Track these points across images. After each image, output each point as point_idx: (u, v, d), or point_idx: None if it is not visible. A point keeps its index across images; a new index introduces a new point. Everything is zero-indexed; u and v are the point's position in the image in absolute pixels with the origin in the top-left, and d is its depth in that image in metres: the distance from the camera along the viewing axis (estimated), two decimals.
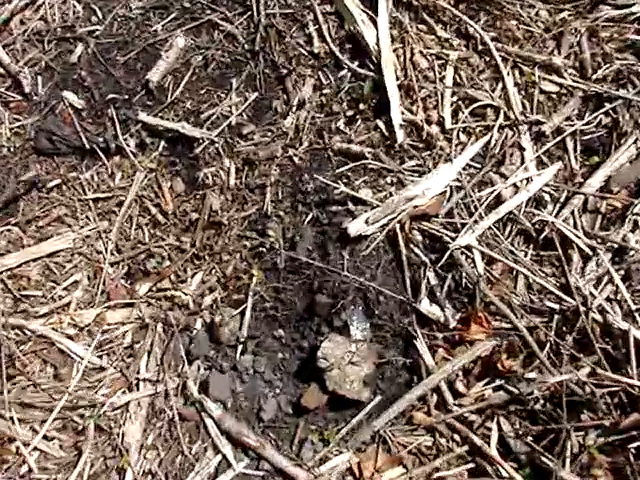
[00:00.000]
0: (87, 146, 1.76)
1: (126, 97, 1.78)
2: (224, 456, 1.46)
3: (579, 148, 1.57)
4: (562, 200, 1.54)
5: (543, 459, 1.39)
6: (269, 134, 1.65)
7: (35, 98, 1.82)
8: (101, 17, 1.86)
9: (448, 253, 1.45)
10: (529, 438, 1.42)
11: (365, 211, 1.50)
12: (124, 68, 1.81)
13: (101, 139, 1.75)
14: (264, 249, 1.57)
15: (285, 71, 1.68)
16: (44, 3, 1.88)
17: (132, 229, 1.70)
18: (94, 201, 1.75)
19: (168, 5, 1.83)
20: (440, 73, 1.62)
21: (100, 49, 1.82)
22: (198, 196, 1.67)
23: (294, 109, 1.65)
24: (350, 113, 1.62)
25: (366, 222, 1.47)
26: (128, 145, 1.74)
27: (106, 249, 1.68)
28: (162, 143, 1.74)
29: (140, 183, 1.71)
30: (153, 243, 1.66)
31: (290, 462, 1.44)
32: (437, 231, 1.49)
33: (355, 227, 1.47)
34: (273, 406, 1.52)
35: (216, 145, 1.67)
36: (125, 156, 1.75)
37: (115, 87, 1.80)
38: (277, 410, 1.52)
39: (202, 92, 1.75)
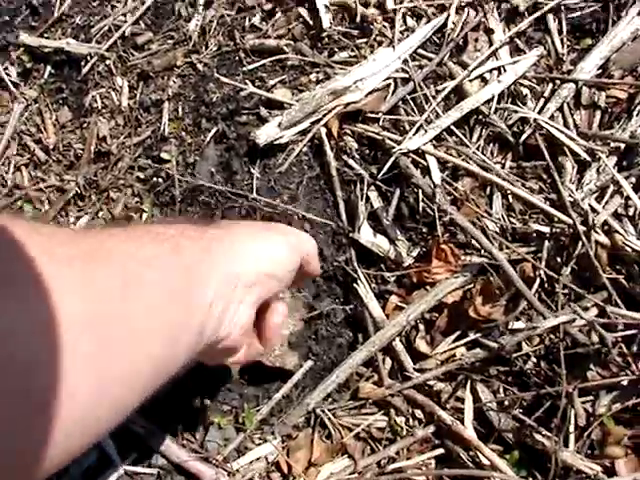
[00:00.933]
0: None
1: (7, 19, 1.46)
2: (102, 450, 1.07)
3: (565, 28, 1.19)
4: (547, 94, 1.16)
5: (537, 437, 0.98)
6: (169, 41, 1.31)
7: None
8: None
9: (391, 160, 1.07)
10: (517, 410, 1.01)
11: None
12: None
13: None
14: (160, 179, 1.21)
15: None
16: None
17: (10, 173, 1.36)
18: None
19: None
20: None
21: None
22: (85, 124, 1.32)
23: (200, 9, 1.30)
24: (268, 7, 1.26)
25: (279, 126, 1.09)
26: (8, 74, 1.41)
27: None
28: (48, 69, 1.41)
29: (20, 117, 1.38)
30: (32, 186, 1.32)
31: (192, 455, 1.05)
32: (377, 134, 1.10)
33: (264, 134, 1.09)
34: None
35: (107, 62, 1.33)
36: (5, 88, 1.42)
37: None
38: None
39: (94, 3, 1.42)
